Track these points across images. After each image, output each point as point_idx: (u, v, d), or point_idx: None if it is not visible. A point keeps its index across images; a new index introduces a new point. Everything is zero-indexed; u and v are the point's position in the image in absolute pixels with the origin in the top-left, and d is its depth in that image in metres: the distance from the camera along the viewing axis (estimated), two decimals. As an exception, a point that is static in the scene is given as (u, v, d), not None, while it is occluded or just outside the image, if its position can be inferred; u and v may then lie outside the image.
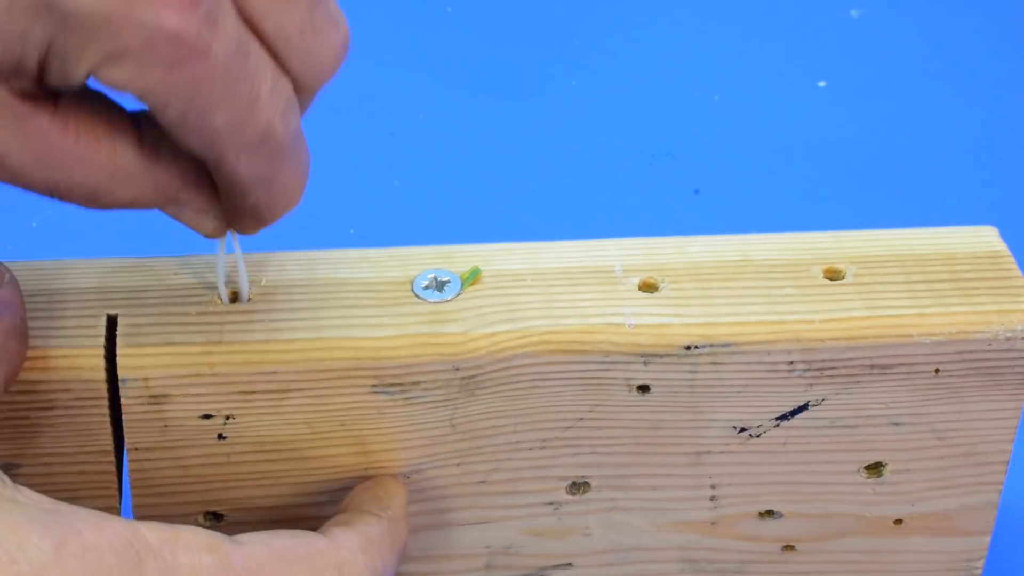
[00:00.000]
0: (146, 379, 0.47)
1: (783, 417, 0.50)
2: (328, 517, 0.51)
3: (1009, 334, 0.49)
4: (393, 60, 0.85)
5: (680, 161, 0.79)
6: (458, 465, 0.50)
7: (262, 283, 0.49)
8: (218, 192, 0.44)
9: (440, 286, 0.49)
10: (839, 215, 0.75)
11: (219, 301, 0.48)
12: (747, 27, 0.88)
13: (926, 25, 0.88)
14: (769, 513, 0.52)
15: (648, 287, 0.50)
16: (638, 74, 0.85)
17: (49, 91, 0.40)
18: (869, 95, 0.83)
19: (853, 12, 0.89)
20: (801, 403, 0.50)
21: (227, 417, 0.48)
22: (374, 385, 0.48)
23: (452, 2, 0.90)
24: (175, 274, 0.49)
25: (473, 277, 0.50)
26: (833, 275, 0.50)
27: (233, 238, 0.47)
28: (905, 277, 0.50)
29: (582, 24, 0.88)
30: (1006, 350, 0.49)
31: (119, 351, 0.47)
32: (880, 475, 0.52)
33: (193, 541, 0.41)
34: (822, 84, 0.84)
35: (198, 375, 0.47)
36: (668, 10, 0.89)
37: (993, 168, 0.79)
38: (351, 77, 0.84)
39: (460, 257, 0.50)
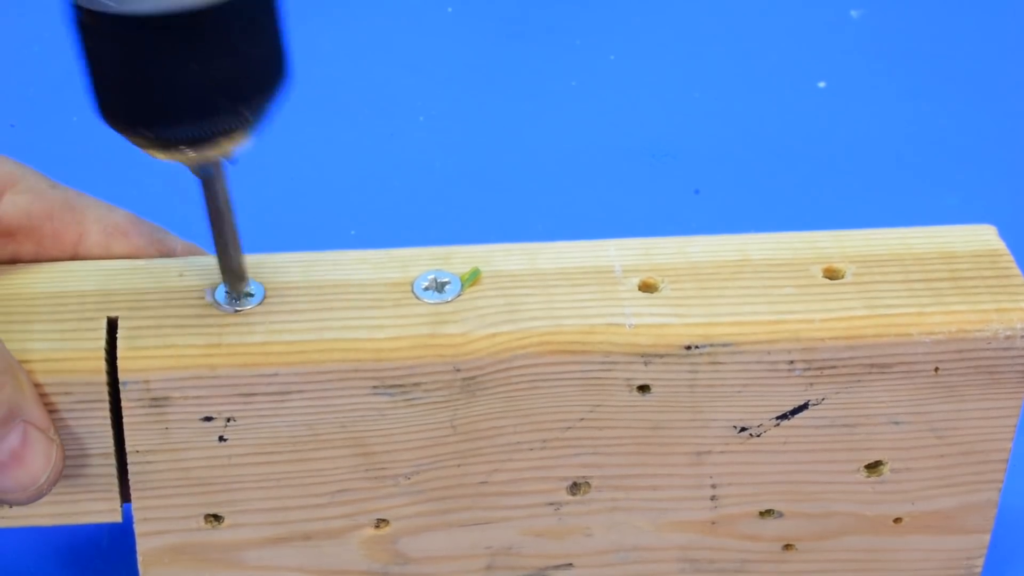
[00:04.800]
0: (147, 381, 0.47)
1: (783, 416, 0.50)
2: (330, 518, 0.51)
3: (1008, 332, 0.49)
4: (393, 60, 0.85)
5: (680, 161, 0.79)
6: (459, 466, 0.50)
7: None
8: None
9: (440, 287, 0.49)
10: (839, 215, 0.75)
11: (218, 305, 0.49)
12: (747, 27, 0.88)
13: (926, 25, 0.88)
14: (769, 512, 0.52)
15: (648, 287, 0.50)
16: (638, 74, 0.85)
17: None
18: (869, 95, 0.83)
19: (853, 12, 0.89)
20: (801, 402, 0.50)
21: (228, 419, 0.48)
22: (375, 387, 0.48)
23: (452, 2, 0.90)
24: (176, 277, 0.49)
25: (473, 278, 0.50)
26: (833, 274, 0.50)
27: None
28: (904, 276, 0.50)
29: (582, 24, 0.88)
30: (1005, 348, 0.49)
31: (119, 353, 0.47)
32: (880, 474, 0.52)
33: None
34: (822, 85, 0.84)
35: (199, 377, 0.47)
36: (668, 10, 0.89)
37: (993, 168, 0.79)
38: (351, 77, 0.84)
39: (459, 258, 0.51)
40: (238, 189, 0.75)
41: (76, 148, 0.79)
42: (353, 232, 0.74)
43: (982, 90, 0.84)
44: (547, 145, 0.80)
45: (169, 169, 0.77)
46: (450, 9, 0.89)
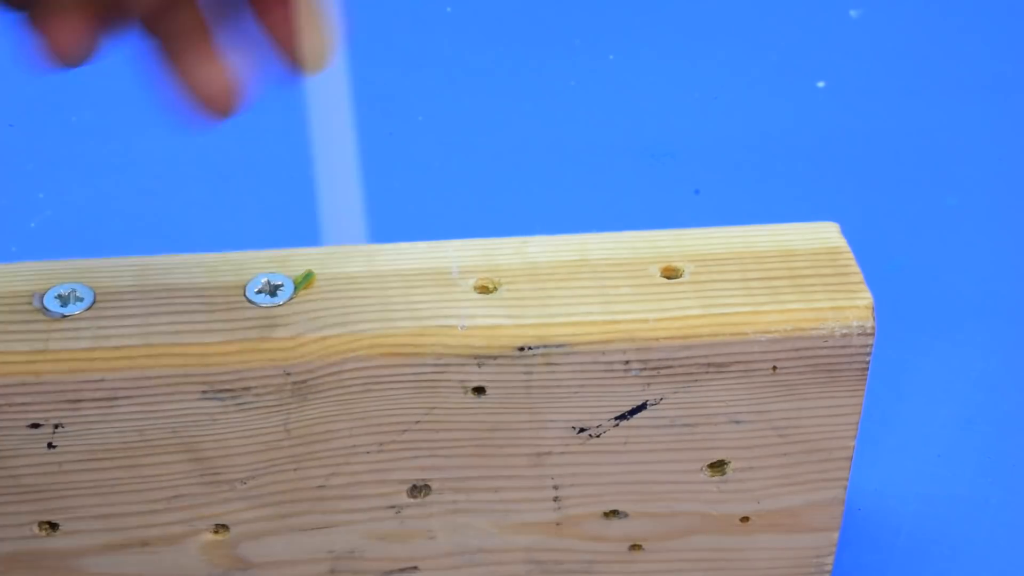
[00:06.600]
0: (-31, 389, 0.46)
1: (622, 417, 0.50)
2: (167, 524, 0.50)
3: (844, 330, 0.49)
4: (393, 60, 0.85)
5: (680, 161, 0.79)
6: (295, 470, 0.50)
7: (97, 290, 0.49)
8: None
9: (273, 290, 0.49)
10: (839, 215, 0.75)
11: (45, 311, 0.48)
12: (747, 27, 0.88)
13: (925, 25, 0.88)
14: (614, 513, 0.52)
15: (484, 288, 0.50)
16: (637, 74, 0.85)
17: None
18: (868, 95, 0.83)
19: (852, 12, 0.89)
20: (639, 402, 0.50)
21: (56, 426, 0.48)
22: (204, 391, 0.48)
23: (452, 2, 0.90)
24: (5, 281, 0.49)
25: (307, 280, 0.49)
26: (671, 274, 0.50)
27: None
28: (742, 275, 0.50)
29: (581, 24, 0.88)
30: (842, 346, 0.49)
31: (-60, 361, 0.46)
32: (723, 473, 0.52)
33: None
34: (821, 84, 0.84)
35: (23, 384, 0.47)
36: (667, 10, 0.89)
37: (993, 167, 0.78)
38: (351, 77, 0.84)
39: (296, 261, 0.50)
40: (237, 188, 0.76)
41: (75, 148, 0.79)
42: None
43: (982, 90, 0.83)
44: (546, 145, 0.80)
45: (170, 171, 0.78)
46: (449, 9, 0.89)
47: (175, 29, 0.43)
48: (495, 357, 0.48)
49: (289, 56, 0.44)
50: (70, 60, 0.42)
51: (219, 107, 0.43)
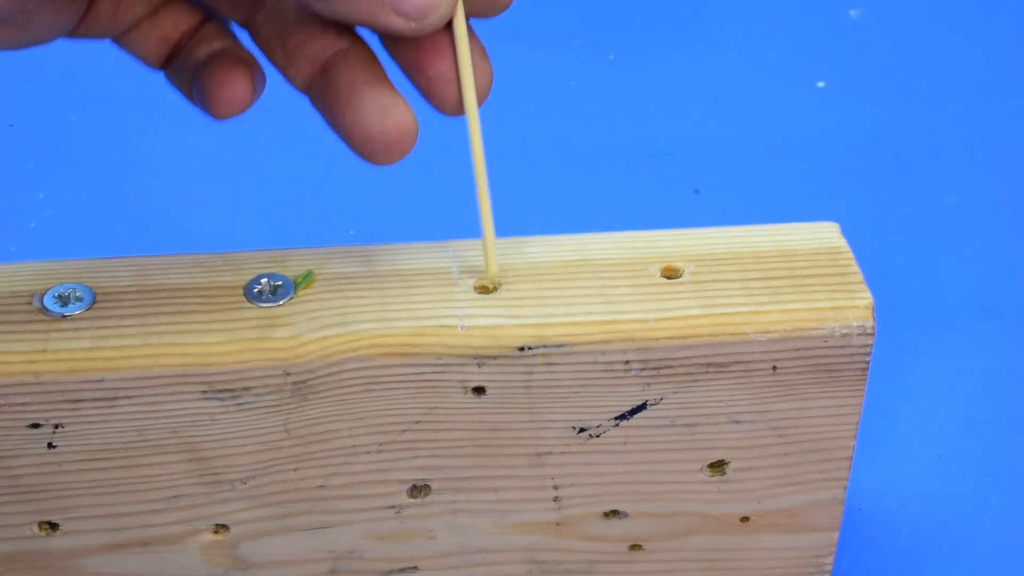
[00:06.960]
0: (-32, 389, 0.46)
1: (622, 417, 0.50)
2: (167, 524, 0.50)
3: (844, 331, 0.49)
4: (392, 60, 0.85)
5: (680, 161, 0.79)
6: (295, 470, 0.50)
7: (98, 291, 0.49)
8: None
9: (273, 290, 0.49)
10: (839, 215, 0.75)
11: (45, 311, 0.48)
12: (746, 27, 0.88)
13: (925, 26, 0.88)
14: (614, 513, 0.52)
15: (484, 288, 0.50)
16: (637, 74, 0.85)
17: None
18: (868, 96, 0.83)
19: (852, 13, 0.89)
20: (639, 402, 0.50)
21: (56, 426, 0.48)
22: (204, 391, 0.48)
23: None
24: (5, 281, 0.49)
25: (307, 280, 0.49)
26: (671, 274, 0.50)
27: None
28: (742, 275, 0.50)
29: (581, 24, 0.88)
30: (842, 347, 0.49)
31: (-60, 361, 0.46)
32: (723, 473, 0.52)
33: None
34: (821, 84, 0.84)
35: (23, 384, 0.47)
36: (667, 10, 0.89)
37: (992, 167, 0.78)
38: None
39: (295, 261, 0.50)
40: (237, 188, 0.75)
41: (75, 148, 0.79)
42: (352, 231, 0.74)
43: (981, 91, 0.83)
44: (546, 145, 0.80)
45: (169, 171, 0.78)
46: (449, 9, 0.89)
47: (343, 80, 0.47)
48: (495, 357, 0.48)
49: (444, 100, 0.49)
50: (234, 112, 0.46)
51: (396, 149, 0.48)
